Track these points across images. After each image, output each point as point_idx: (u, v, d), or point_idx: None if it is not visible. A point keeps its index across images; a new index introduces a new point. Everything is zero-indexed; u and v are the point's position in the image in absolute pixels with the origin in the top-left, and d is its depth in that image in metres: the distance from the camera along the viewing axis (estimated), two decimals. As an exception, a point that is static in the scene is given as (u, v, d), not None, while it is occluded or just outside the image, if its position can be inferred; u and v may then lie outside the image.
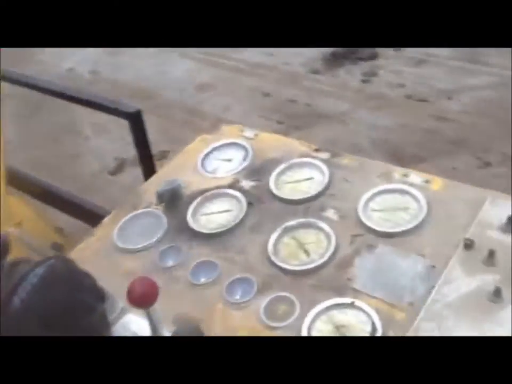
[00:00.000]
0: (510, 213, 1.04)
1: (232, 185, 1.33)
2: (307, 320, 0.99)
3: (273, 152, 1.39)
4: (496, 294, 0.94)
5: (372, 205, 1.18)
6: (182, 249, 1.20)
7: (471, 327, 0.92)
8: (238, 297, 1.09)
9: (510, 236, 1.03)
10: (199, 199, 1.30)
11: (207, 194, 1.31)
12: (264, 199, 1.28)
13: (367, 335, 0.96)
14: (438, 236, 1.09)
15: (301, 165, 1.33)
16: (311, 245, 1.14)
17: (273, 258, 1.12)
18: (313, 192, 1.25)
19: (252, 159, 1.39)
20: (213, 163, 1.42)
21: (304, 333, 0.98)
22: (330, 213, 1.20)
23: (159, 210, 1.31)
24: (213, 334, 1.00)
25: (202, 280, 1.13)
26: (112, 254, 1.23)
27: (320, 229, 1.16)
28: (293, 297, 1.05)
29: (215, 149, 1.45)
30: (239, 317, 1.05)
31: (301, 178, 1.29)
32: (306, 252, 1.13)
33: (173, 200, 1.32)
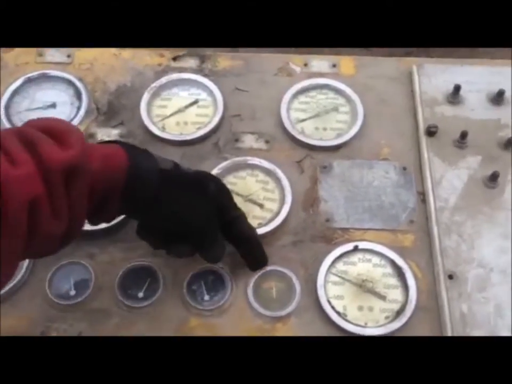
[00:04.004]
0: (451, 80, 0.93)
1: (88, 143, 0.91)
2: (319, 292, 0.78)
3: (116, 76, 0.98)
4: (492, 179, 0.85)
5: (295, 114, 0.93)
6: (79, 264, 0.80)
7: (484, 222, 0.83)
8: (207, 297, 0.79)
9: (459, 105, 0.93)
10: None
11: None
12: (148, 147, 0.91)
13: (393, 278, 0.80)
14: (388, 131, 0.92)
15: (171, 86, 0.96)
16: (257, 194, 0.87)
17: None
18: (209, 120, 0.92)
19: (88, 95, 0.96)
20: (28, 117, 0.94)
21: (326, 309, 0.77)
22: (250, 141, 0.92)
23: None
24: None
25: (140, 295, 0.79)
26: None
27: (254, 167, 0.88)
28: (280, 269, 0.80)
29: (16, 93, 0.96)
30: (225, 323, 0.77)
31: (182, 106, 0.94)
32: (257, 204, 0.86)
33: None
